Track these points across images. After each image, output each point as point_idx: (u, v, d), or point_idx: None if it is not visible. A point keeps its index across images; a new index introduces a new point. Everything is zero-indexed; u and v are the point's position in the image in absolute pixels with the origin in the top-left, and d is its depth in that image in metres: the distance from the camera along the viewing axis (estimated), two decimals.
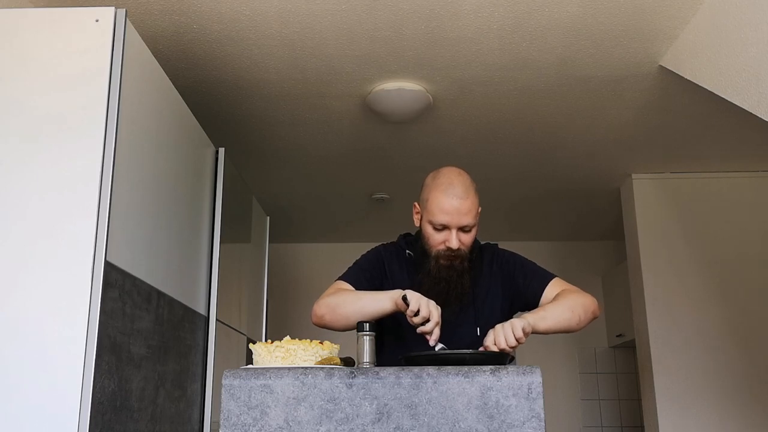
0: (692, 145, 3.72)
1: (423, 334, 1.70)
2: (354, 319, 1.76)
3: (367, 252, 2.04)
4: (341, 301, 1.84)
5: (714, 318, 3.91)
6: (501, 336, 1.63)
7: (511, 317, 1.79)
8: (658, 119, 3.39)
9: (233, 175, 2.90)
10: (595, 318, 1.91)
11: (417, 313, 1.69)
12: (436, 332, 1.69)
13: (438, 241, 1.87)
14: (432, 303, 1.70)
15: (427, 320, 1.69)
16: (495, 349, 1.64)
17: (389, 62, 2.84)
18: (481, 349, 1.68)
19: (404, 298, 1.70)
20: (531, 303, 1.93)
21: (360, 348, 1.59)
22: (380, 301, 1.78)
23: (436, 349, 1.70)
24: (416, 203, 1.98)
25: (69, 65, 1.84)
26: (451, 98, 3.17)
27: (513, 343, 1.63)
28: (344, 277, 1.95)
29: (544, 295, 1.91)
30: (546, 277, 1.95)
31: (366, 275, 1.95)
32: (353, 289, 1.91)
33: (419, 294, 1.72)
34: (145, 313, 2.01)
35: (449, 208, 1.84)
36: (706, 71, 2.50)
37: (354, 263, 2.02)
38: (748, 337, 3.87)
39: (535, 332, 1.74)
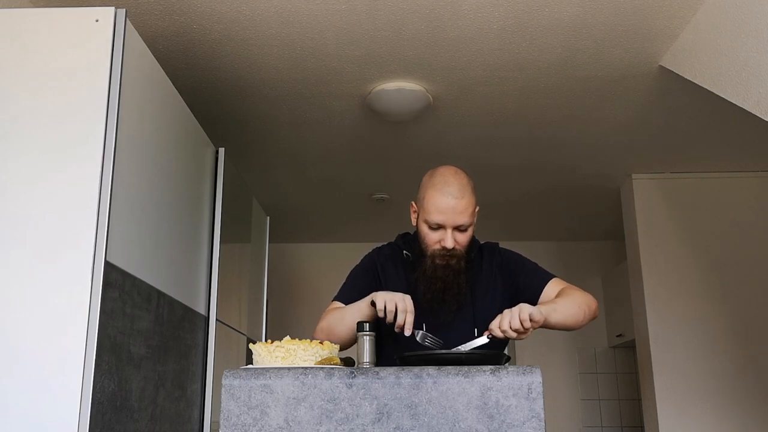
0: (692, 145, 3.72)
1: (399, 329, 1.69)
2: (348, 336, 1.78)
3: (361, 260, 2.04)
4: (332, 323, 1.85)
5: (714, 318, 3.91)
6: (506, 319, 1.62)
7: None
8: (658, 119, 3.39)
9: (233, 175, 2.90)
10: (594, 318, 1.90)
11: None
12: (409, 320, 1.67)
13: (434, 240, 1.87)
14: (398, 295, 1.69)
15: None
16: (499, 333, 1.63)
17: (389, 62, 2.84)
18: (486, 333, 1.67)
19: (373, 303, 1.71)
20: (530, 302, 1.92)
21: (360, 348, 1.59)
22: (362, 310, 1.79)
23: (417, 336, 1.68)
24: (413, 202, 1.98)
25: (69, 65, 1.84)
26: (451, 98, 3.17)
27: (517, 326, 1.61)
28: (337, 297, 1.96)
29: (543, 293, 1.91)
30: (545, 277, 1.95)
31: (358, 289, 1.93)
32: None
33: (386, 291, 1.72)
34: (145, 313, 2.01)
35: (445, 208, 1.83)
36: (706, 71, 2.50)
37: (347, 277, 2.01)
38: (748, 337, 3.87)
39: (545, 325, 1.72)
